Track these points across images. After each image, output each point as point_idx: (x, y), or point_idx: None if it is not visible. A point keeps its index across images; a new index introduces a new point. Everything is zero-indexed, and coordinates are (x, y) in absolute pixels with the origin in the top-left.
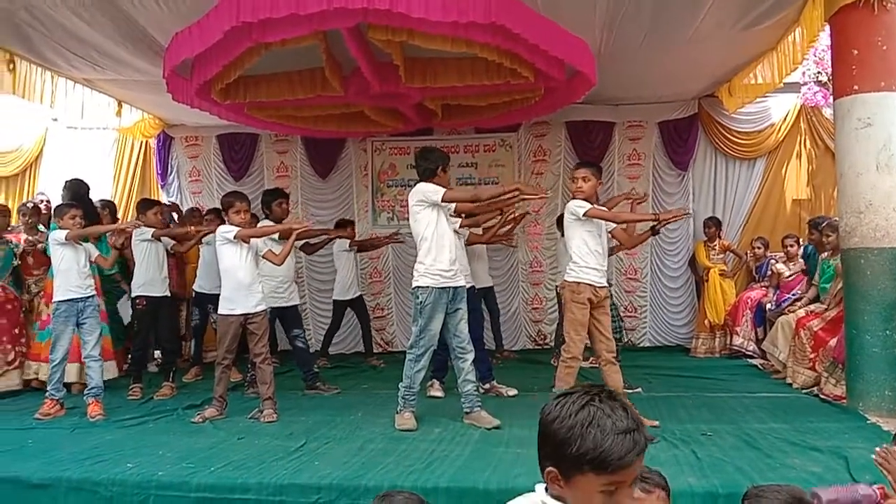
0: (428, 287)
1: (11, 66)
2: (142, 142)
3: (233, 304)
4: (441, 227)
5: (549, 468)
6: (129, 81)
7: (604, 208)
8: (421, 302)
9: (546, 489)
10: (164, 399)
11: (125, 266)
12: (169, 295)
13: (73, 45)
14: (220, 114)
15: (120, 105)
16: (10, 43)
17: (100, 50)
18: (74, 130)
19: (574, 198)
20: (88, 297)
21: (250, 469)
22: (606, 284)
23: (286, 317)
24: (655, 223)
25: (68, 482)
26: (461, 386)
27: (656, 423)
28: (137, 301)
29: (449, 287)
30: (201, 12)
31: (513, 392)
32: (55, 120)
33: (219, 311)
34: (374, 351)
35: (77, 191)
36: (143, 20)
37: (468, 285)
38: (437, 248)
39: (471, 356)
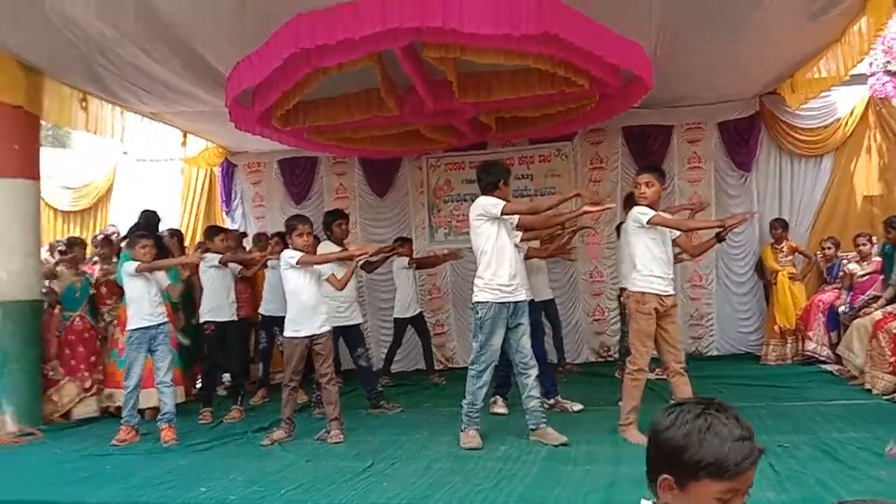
0: (487, 302)
1: (84, 104)
2: (206, 170)
3: (298, 325)
4: (501, 240)
5: (664, 476)
6: (193, 113)
7: (668, 215)
8: (481, 317)
9: (653, 503)
10: (234, 422)
11: (190, 295)
12: (236, 319)
13: (141, 81)
14: (280, 139)
15: (185, 136)
16: (84, 83)
17: (167, 84)
18: (143, 163)
19: (637, 204)
20: (160, 325)
21: (320, 491)
22: (673, 293)
23: (349, 336)
24: (721, 230)
25: None
26: (525, 402)
27: None
28: (206, 326)
29: (509, 301)
30: (261, 41)
31: (578, 407)
32: (125, 153)
33: (285, 334)
34: (436, 368)
35: (149, 221)
36: (207, 53)
37: (529, 299)
38: (497, 263)
39: (534, 371)
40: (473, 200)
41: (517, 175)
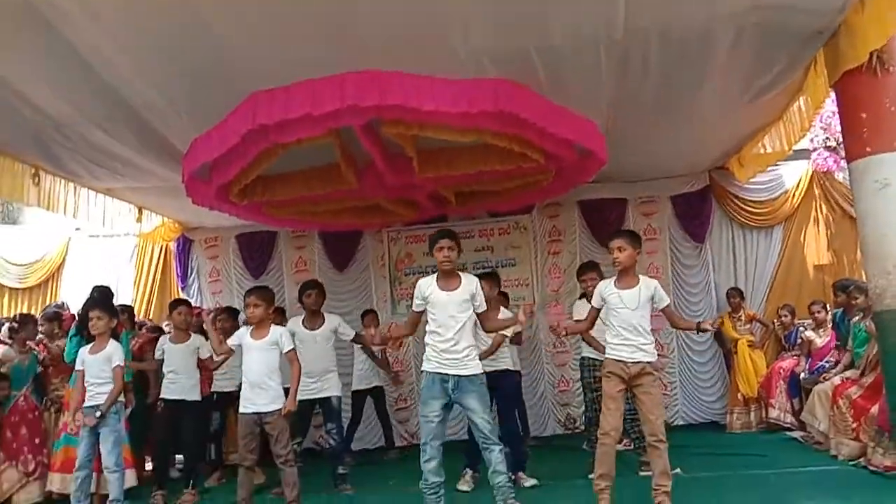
0: (424, 371)
1: (36, 179)
2: (162, 246)
3: (247, 401)
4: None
5: None
6: (149, 188)
7: (584, 319)
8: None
9: None
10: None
11: (143, 374)
12: (195, 399)
13: (96, 156)
14: (238, 214)
15: (140, 211)
16: (36, 158)
17: (122, 160)
18: (96, 238)
19: (614, 266)
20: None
21: None
22: (642, 360)
23: (322, 409)
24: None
25: None
26: (491, 478)
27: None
28: (158, 404)
29: (445, 374)
30: (219, 118)
31: (530, 482)
32: (77, 229)
33: (240, 410)
34: (396, 444)
35: (105, 296)
36: (163, 129)
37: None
38: (434, 328)
39: (497, 447)
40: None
41: (477, 248)
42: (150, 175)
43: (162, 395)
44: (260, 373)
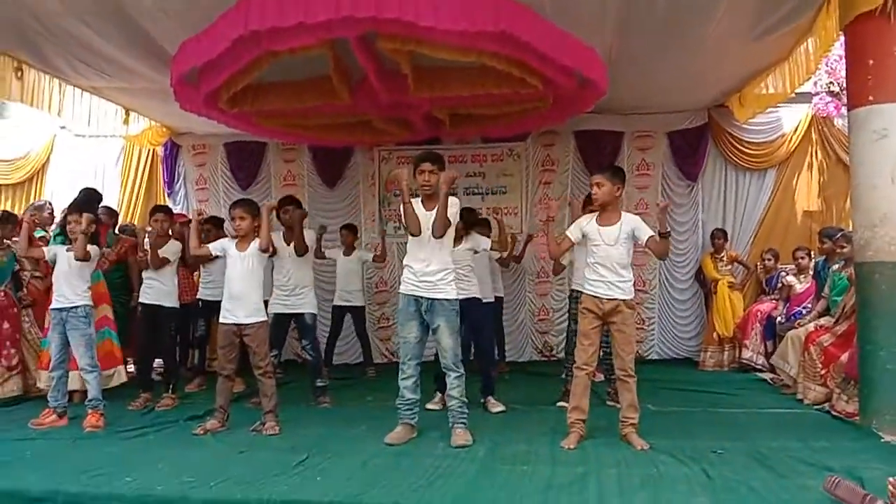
0: (400, 293)
1: (20, 73)
2: (149, 150)
3: (227, 312)
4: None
5: None
6: (136, 90)
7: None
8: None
9: None
10: (166, 409)
11: (126, 276)
12: (172, 305)
13: (81, 53)
14: (227, 122)
15: (127, 113)
16: (18, 50)
17: (108, 59)
18: (82, 138)
19: (593, 203)
20: (72, 308)
21: (251, 484)
22: (617, 297)
23: (297, 325)
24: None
25: (66, 495)
26: (447, 400)
27: (647, 445)
28: (137, 308)
29: (419, 296)
30: (209, 21)
31: (498, 408)
32: (63, 128)
33: (220, 319)
34: (374, 361)
35: (89, 198)
36: (152, 29)
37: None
38: (411, 249)
39: (454, 373)
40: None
41: (470, 173)
42: (136, 76)
43: (140, 300)
44: (241, 284)
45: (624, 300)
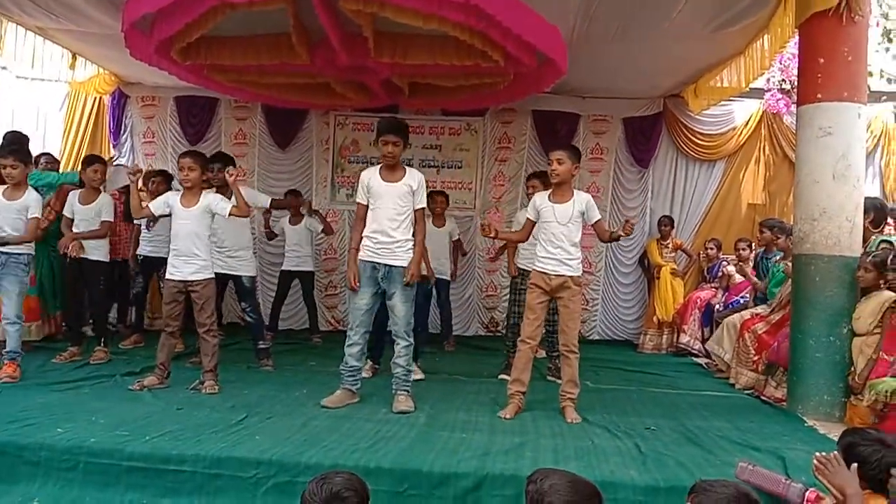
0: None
1: None
2: (95, 98)
3: (173, 268)
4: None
5: None
6: (84, 33)
7: (518, 230)
8: None
9: None
10: (100, 363)
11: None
12: (95, 258)
13: None
14: (178, 74)
15: (74, 58)
16: None
17: None
18: (24, 80)
19: (550, 178)
20: (16, 254)
21: (187, 440)
22: (564, 274)
23: (236, 287)
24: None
25: None
26: (392, 367)
27: (579, 419)
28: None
29: (377, 262)
30: None
31: (419, 376)
32: (3, 68)
33: (166, 276)
34: (320, 329)
35: (17, 141)
36: None
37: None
38: (372, 218)
39: (404, 341)
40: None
41: (426, 145)
42: (86, 19)
43: (69, 254)
44: (188, 240)
45: (571, 276)
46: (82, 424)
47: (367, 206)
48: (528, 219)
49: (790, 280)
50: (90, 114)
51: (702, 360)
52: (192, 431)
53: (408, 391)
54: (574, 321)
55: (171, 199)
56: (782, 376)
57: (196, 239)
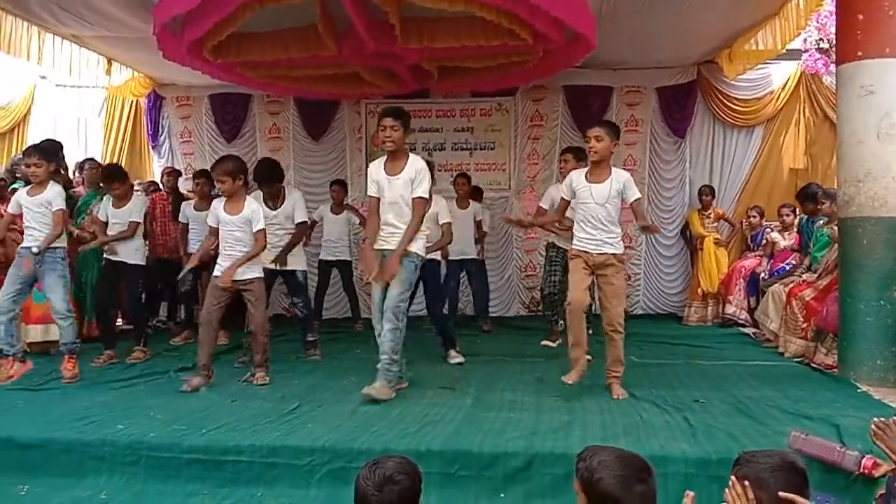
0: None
1: None
2: (132, 101)
3: (220, 269)
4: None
5: None
6: (118, 38)
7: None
8: None
9: None
10: (137, 362)
11: None
12: (132, 262)
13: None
14: (211, 73)
15: (109, 63)
16: None
17: (89, 5)
18: (63, 88)
19: (589, 157)
20: (49, 249)
21: (243, 431)
22: (605, 251)
23: (287, 283)
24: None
25: (59, 443)
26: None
27: (625, 394)
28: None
29: (382, 249)
30: None
31: (457, 360)
32: (43, 78)
33: (213, 273)
34: (364, 316)
35: (56, 147)
36: None
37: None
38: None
39: (388, 325)
40: (412, 152)
41: (458, 128)
42: (119, 24)
43: (104, 255)
44: (234, 245)
45: (614, 254)
46: (141, 420)
47: (379, 199)
48: (562, 198)
49: (836, 245)
50: (128, 117)
51: (749, 330)
52: (247, 422)
53: (388, 379)
54: (618, 298)
55: (218, 211)
56: (832, 342)
57: (242, 243)
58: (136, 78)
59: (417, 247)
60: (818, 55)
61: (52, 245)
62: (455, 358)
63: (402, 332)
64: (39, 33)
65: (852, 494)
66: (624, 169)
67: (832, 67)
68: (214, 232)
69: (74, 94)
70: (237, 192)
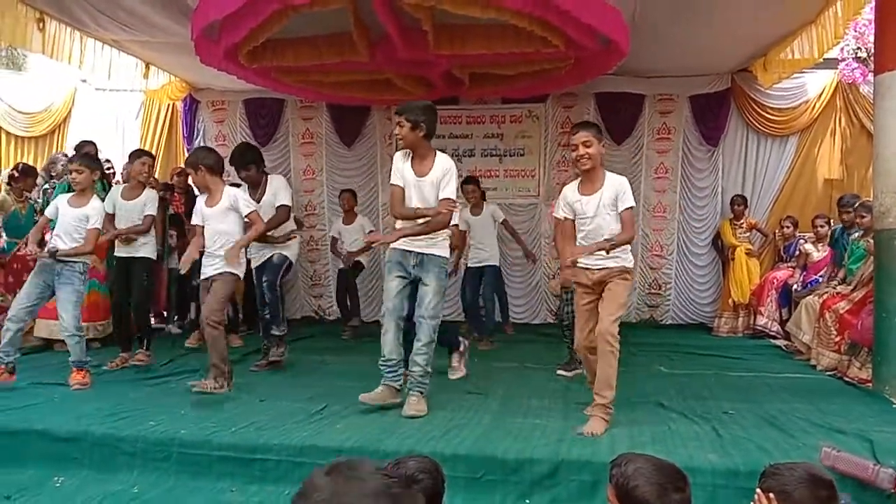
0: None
1: (41, 25)
2: (169, 104)
3: (203, 267)
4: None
5: None
6: (156, 43)
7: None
8: None
9: None
10: (142, 364)
11: None
12: (141, 256)
13: (102, 5)
14: (246, 77)
15: (147, 67)
16: (40, 2)
17: (129, 11)
18: (102, 92)
19: (577, 166)
20: (70, 262)
21: (273, 430)
22: (603, 267)
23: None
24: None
25: (93, 437)
26: (410, 364)
27: (600, 432)
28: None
29: (409, 250)
30: None
31: (457, 375)
32: (84, 81)
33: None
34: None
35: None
36: None
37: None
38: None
39: (425, 337)
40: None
41: (487, 134)
42: (157, 29)
43: (115, 253)
44: (217, 240)
45: (617, 268)
46: (172, 417)
47: (403, 189)
48: (565, 218)
49: (871, 257)
50: (164, 120)
51: (780, 342)
52: (276, 421)
53: (422, 392)
54: (614, 304)
55: (200, 206)
56: (866, 356)
57: (222, 237)
58: (172, 82)
59: (447, 251)
60: (855, 64)
61: (75, 259)
62: (456, 373)
63: (435, 344)
64: (81, 38)
65: None
66: (655, 178)
67: (870, 77)
68: (200, 231)
69: (113, 98)
70: (208, 183)
